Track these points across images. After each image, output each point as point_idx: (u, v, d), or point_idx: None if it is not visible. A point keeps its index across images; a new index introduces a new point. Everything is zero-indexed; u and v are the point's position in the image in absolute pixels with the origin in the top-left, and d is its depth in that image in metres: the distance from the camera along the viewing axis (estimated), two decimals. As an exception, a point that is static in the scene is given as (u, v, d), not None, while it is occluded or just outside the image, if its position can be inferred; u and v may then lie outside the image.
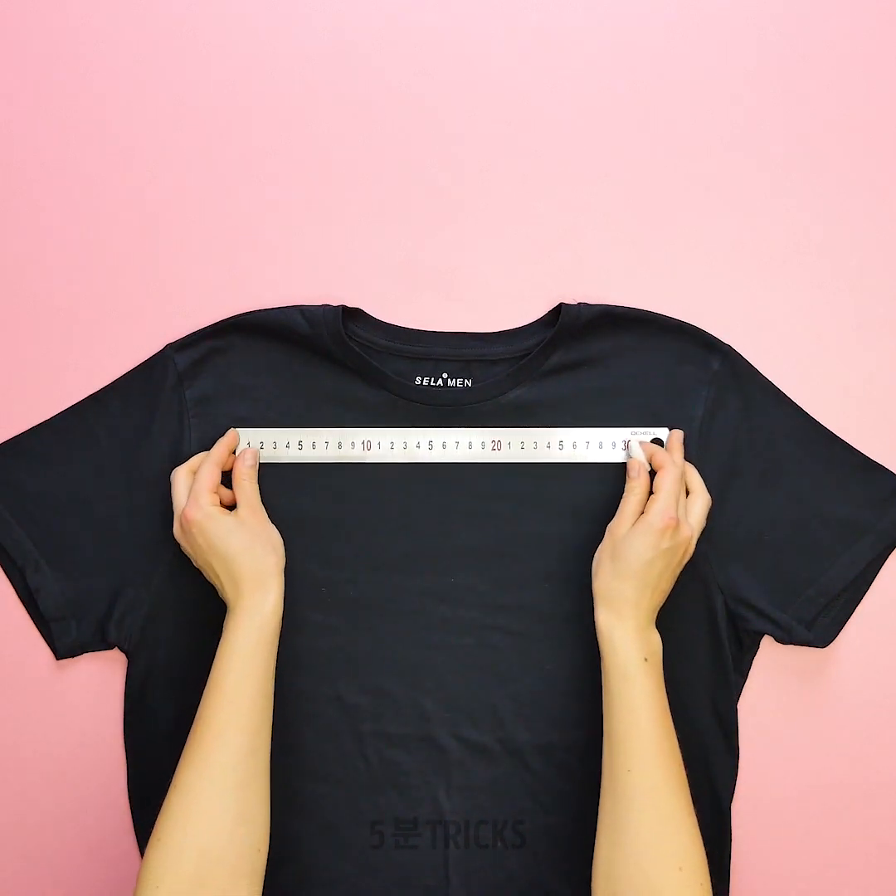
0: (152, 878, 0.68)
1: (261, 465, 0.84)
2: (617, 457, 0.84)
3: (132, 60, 0.87)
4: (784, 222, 0.87)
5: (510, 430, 0.84)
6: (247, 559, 0.78)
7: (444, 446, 0.84)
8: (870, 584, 0.84)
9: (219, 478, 0.81)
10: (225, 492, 0.82)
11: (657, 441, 0.84)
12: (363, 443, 0.84)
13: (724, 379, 0.84)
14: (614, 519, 0.80)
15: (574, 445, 0.84)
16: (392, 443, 0.84)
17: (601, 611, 0.77)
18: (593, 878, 0.70)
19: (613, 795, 0.72)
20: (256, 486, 0.83)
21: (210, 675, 0.75)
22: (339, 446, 0.84)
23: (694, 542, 0.79)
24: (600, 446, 0.84)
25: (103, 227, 0.87)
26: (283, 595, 0.78)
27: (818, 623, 0.83)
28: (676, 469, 0.79)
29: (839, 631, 0.84)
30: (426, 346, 0.85)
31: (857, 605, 0.84)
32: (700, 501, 0.80)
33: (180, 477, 0.81)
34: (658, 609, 0.78)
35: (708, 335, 0.85)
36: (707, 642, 0.83)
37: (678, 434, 0.83)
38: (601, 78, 0.87)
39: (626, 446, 0.83)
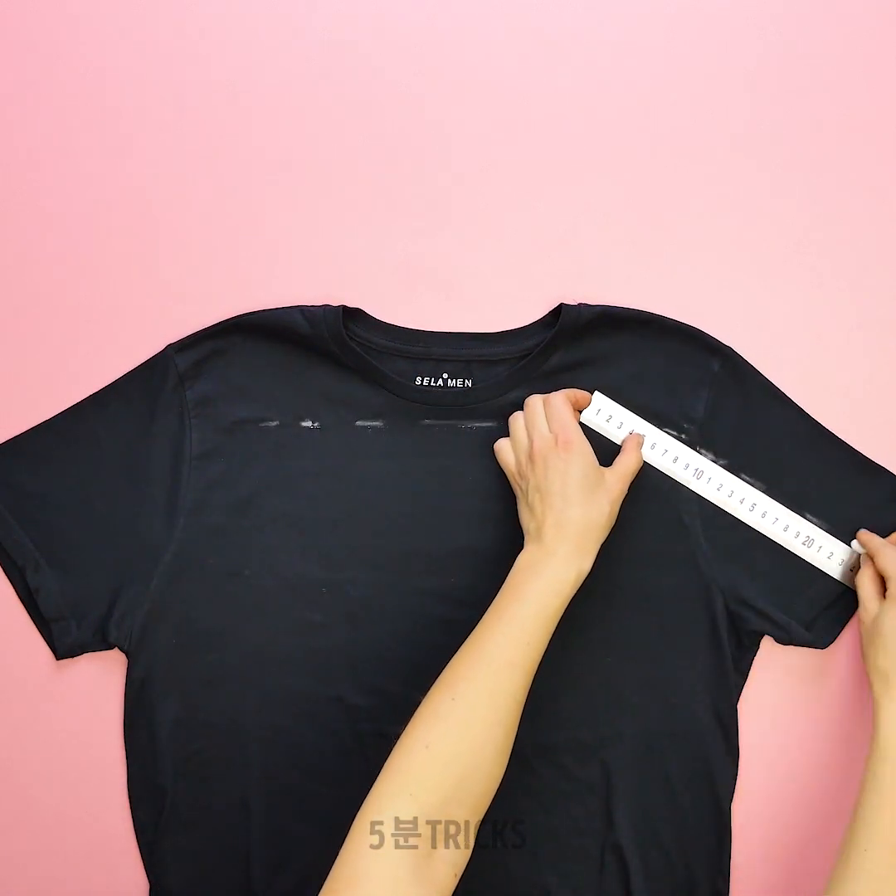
0: (411, 783, 0.67)
1: (259, 465, 0.84)
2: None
3: (132, 60, 0.87)
4: (784, 222, 0.87)
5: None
6: (588, 514, 0.76)
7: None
8: None
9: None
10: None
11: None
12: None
13: (724, 380, 0.84)
14: (861, 609, 0.80)
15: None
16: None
17: (888, 697, 0.77)
18: None
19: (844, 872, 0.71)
20: (639, 464, 0.81)
21: (510, 604, 0.74)
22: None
23: None
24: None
25: (104, 228, 0.87)
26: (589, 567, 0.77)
27: (818, 624, 0.83)
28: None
29: (839, 632, 0.84)
30: (426, 347, 0.85)
31: (856, 607, 0.84)
32: None
33: (537, 401, 0.80)
34: None
35: (708, 337, 0.85)
36: (707, 642, 0.83)
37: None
38: (601, 78, 0.87)
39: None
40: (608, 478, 0.79)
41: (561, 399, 0.80)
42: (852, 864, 0.71)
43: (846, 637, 0.85)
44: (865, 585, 0.81)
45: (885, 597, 0.79)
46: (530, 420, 0.80)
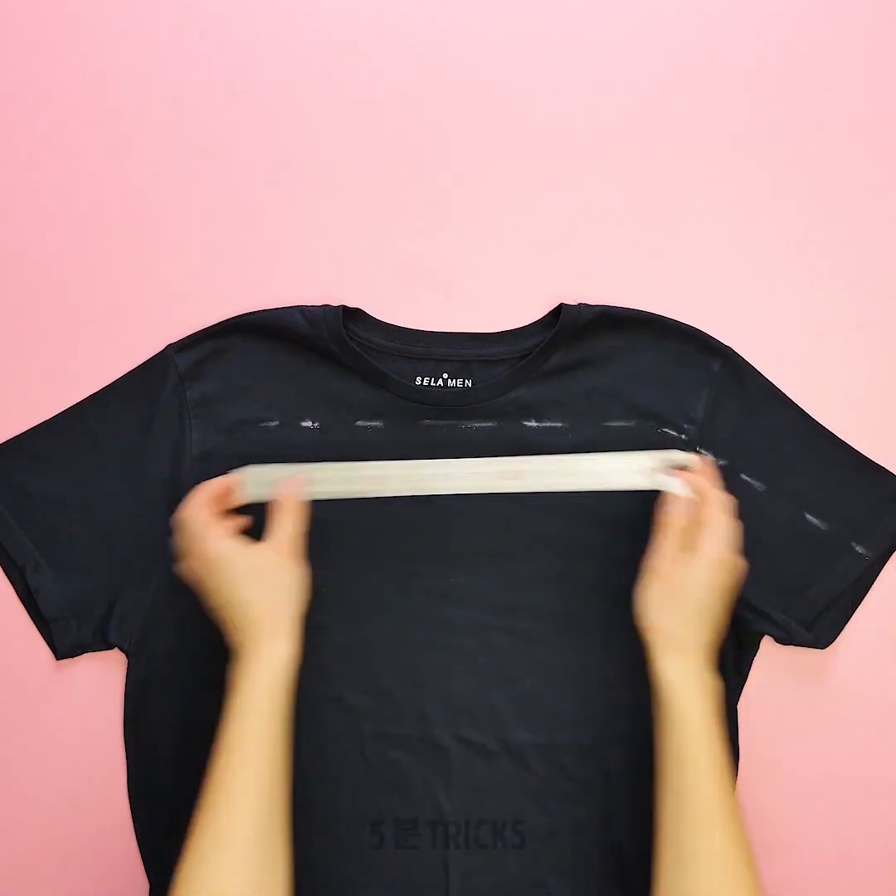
0: None
1: (260, 463, 0.84)
2: (640, 483, 0.82)
3: (133, 60, 0.87)
4: (784, 222, 0.87)
5: (528, 458, 0.82)
6: (258, 605, 0.75)
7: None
8: (870, 586, 0.84)
9: (211, 514, 0.77)
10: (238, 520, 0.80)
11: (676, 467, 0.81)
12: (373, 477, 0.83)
13: (724, 381, 0.84)
14: (657, 556, 0.76)
15: (593, 473, 0.82)
16: (406, 476, 0.83)
17: (668, 657, 0.74)
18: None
19: (678, 849, 0.69)
20: (295, 518, 0.78)
21: (223, 733, 0.72)
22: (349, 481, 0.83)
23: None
24: (619, 472, 0.82)
25: (104, 228, 0.87)
26: (297, 646, 0.75)
27: (818, 624, 0.83)
28: (721, 498, 0.76)
29: (839, 632, 0.84)
30: (426, 347, 0.85)
31: (857, 607, 0.84)
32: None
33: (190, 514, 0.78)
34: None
35: (708, 337, 0.85)
36: (707, 642, 0.83)
37: (708, 460, 0.81)
38: (601, 78, 0.87)
39: (653, 474, 0.80)
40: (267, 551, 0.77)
41: (195, 509, 0.76)
42: (685, 846, 0.69)
43: (847, 637, 0.85)
44: (672, 529, 0.76)
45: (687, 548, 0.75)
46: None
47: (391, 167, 0.87)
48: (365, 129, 0.87)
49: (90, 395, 0.85)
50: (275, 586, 0.76)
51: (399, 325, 0.86)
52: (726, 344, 0.85)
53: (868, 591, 0.84)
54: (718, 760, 0.71)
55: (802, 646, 0.83)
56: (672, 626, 0.74)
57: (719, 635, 0.76)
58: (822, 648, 0.83)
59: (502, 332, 0.86)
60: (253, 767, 0.70)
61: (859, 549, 0.83)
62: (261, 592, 0.75)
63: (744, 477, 0.84)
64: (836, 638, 0.84)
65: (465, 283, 0.87)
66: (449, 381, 0.85)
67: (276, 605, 0.76)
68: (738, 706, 0.84)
